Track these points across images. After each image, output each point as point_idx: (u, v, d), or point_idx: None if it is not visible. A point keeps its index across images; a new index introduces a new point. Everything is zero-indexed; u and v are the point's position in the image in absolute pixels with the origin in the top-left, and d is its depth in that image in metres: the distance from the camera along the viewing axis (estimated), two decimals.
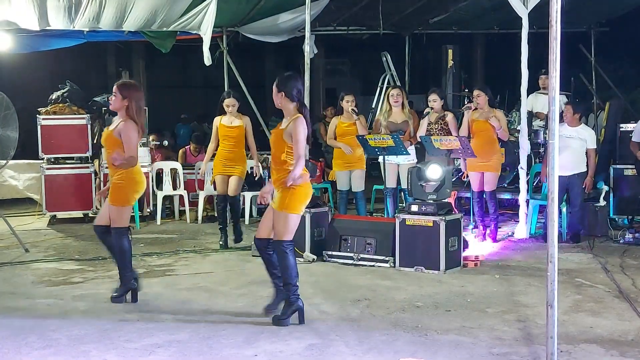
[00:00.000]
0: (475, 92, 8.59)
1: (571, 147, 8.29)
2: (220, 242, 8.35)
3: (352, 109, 8.61)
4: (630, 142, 9.00)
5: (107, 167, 6.23)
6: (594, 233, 8.72)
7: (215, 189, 8.66)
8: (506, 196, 9.91)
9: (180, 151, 11.79)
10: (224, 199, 8.30)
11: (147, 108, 11.58)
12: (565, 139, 8.13)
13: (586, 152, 8.42)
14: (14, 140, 8.46)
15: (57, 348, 4.78)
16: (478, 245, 8.19)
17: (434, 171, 7.31)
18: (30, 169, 10.55)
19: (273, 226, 5.35)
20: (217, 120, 8.32)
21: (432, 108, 8.61)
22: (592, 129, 9.33)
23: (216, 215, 8.53)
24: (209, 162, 8.58)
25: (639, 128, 8.87)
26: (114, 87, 5.94)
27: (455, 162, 9.27)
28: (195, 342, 4.89)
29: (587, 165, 8.43)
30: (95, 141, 10.64)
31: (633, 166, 9.19)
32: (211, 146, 8.44)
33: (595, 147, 8.62)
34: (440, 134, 8.40)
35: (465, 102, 10.19)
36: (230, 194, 8.22)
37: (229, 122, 8.24)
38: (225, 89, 12.15)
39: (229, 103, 8.23)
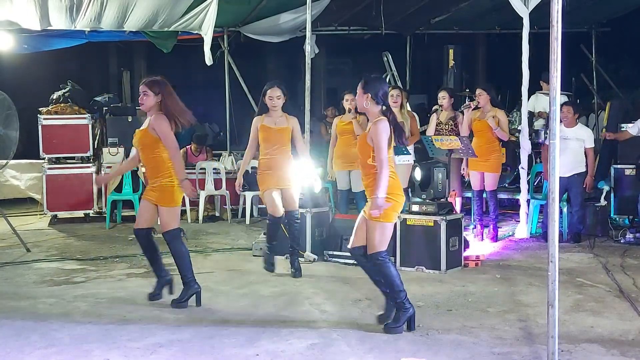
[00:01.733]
0: (477, 91, 8.59)
1: (569, 148, 8.28)
2: (265, 265, 7.02)
3: (348, 108, 8.58)
4: (625, 131, 9.02)
5: (143, 169, 5.93)
6: (594, 233, 8.73)
7: (262, 208, 7.74)
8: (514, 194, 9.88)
9: (182, 151, 11.74)
10: (278, 220, 6.88)
11: None
12: (563, 140, 8.11)
13: (585, 152, 8.43)
14: (15, 140, 8.47)
15: (60, 347, 4.79)
16: (479, 245, 8.20)
17: (418, 173, 7.31)
18: (32, 169, 10.56)
19: (367, 237, 5.12)
20: (259, 121, 6.86)
21: (441, 105, 8.59)
22: (593, 128, 9.32)
23: (266, 240, 7.08)
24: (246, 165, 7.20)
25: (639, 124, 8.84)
26: (143, 86, 5.57)
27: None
28: (197, 341, 4.89)
29: (587, 165, 8.44)
30: (96, 142, 10.66)
31: (633, 166, 9.19)
32: (249, 153, 7.02)
33: (594, 146, 8.62)
34: (451, 135, 8.37)
35: (466, 102, 10.19)
36: (291, 208, 6.93)
37: (272, 122, 6.84)
38: (227, 90, 12.19)
39: (273, 94, 6.75)
